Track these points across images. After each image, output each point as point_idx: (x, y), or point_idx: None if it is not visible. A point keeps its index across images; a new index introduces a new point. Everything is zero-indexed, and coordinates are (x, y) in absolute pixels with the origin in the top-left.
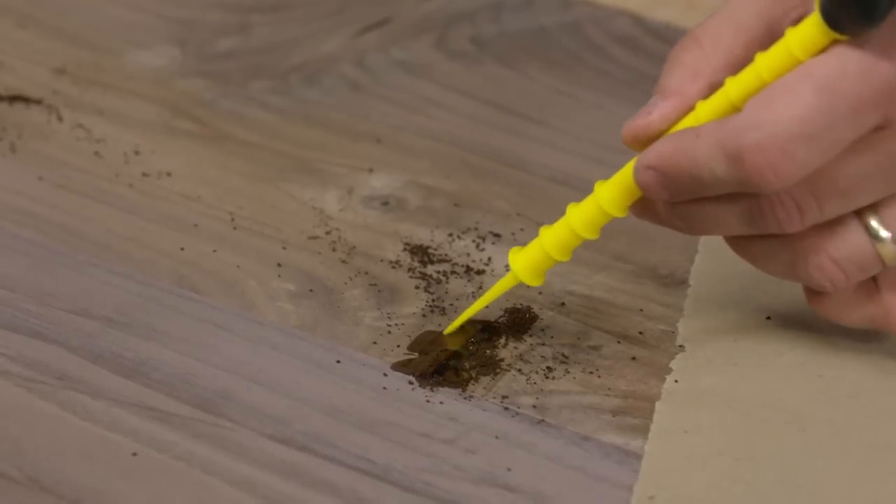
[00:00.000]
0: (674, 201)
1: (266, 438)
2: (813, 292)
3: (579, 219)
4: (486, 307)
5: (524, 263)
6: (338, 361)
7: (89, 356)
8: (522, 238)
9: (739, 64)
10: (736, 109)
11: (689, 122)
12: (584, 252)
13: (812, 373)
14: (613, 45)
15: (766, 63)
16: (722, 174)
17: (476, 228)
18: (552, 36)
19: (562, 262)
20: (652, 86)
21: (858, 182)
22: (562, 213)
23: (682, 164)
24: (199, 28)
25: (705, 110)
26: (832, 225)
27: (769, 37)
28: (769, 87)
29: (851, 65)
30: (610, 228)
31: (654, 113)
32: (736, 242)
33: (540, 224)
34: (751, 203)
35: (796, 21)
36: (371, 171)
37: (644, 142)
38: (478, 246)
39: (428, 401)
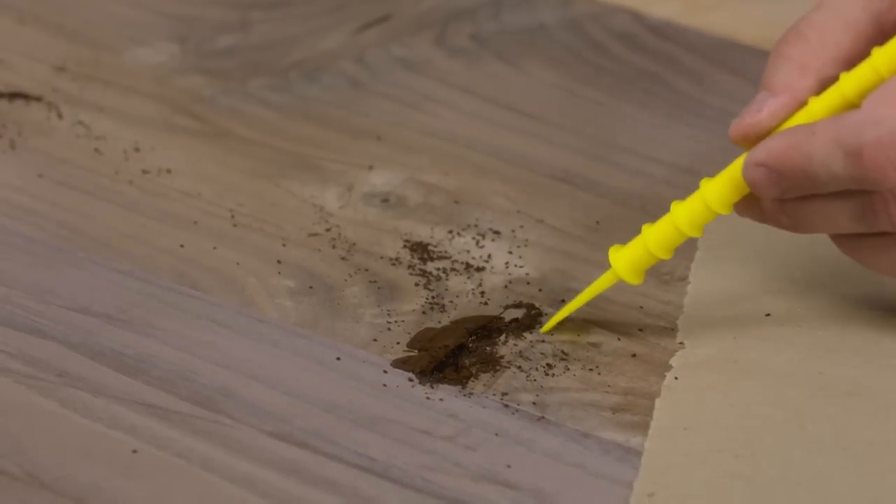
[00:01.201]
0: (783, 199)
1: (266, 435)
2: None
3: (684, 216)
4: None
5: (626, 261)
6: (338, 358)
7: (89, 353)
8: (522, 235)
9: (848, 58)
10: (851, 106)
11: (800, 118)
12: (583, 248)
13: (812, 370)
14: (613, 42)
15: (883, 58)
16: (839, 171)
17: (476, 225)
18: (552, 33)
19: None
20: (652, 82)
21: None
22: (562, 209)
23: (796, 161)
24: (199, 25)
25: (818, 107)
26: None
27: (877, 30)
28: (888, 83)
29: None
30: (610, 225)
31: (765, 110)
32: (844, 241)
33: (540, 221)
34: (863, 200)
35: None
36: (371, 168)
37: (753, 140)
38: (478, 243)
39: (428, 398)
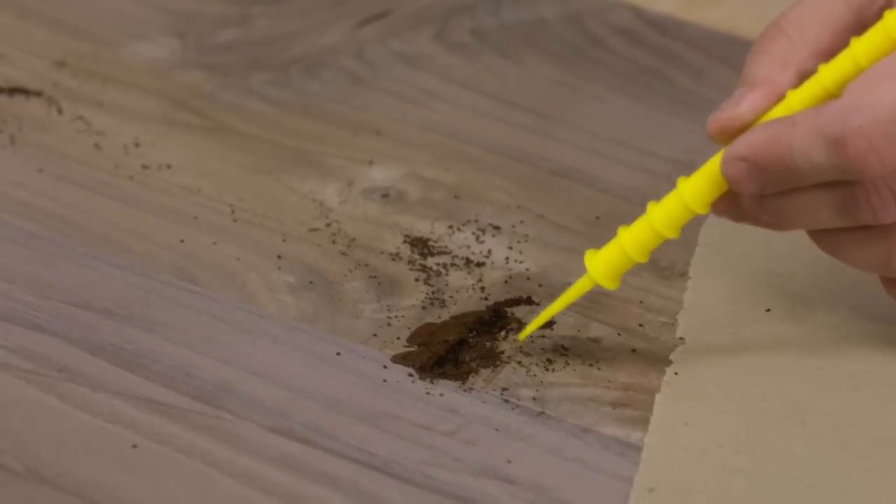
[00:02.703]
0: (762, 194)
1: (266, 431)
2: (893, 282)
3: (661, 217)
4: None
5: (602, 266)
6: (338, 354)
7: (89, 348)
8: (522, 230)
9: (828, 52)
10: (830, 97)
11: (780, 111)
12: (583, 244)
13: (812, 365)
14: (613, 37)
15: (862, 48)
16: (821, 161)
17: (476, 221)
18: (552, 28)
19: (636, 264)
20: (652, 77)
21: None
22: (562, 204)
23: (776, 153)
24: (199, 20)
25: (798, 99)
26: None
27: (857, 24)
28: (869, 71)
29: None
30: (610, 220)
31: (743, 104)
32: (823, 236)
33: (540, 216)
34: (845, 192)
35: (884, 7)
36: (371, 163)
37: (732, 134)
38: (478, 238)
39: (428, 393)
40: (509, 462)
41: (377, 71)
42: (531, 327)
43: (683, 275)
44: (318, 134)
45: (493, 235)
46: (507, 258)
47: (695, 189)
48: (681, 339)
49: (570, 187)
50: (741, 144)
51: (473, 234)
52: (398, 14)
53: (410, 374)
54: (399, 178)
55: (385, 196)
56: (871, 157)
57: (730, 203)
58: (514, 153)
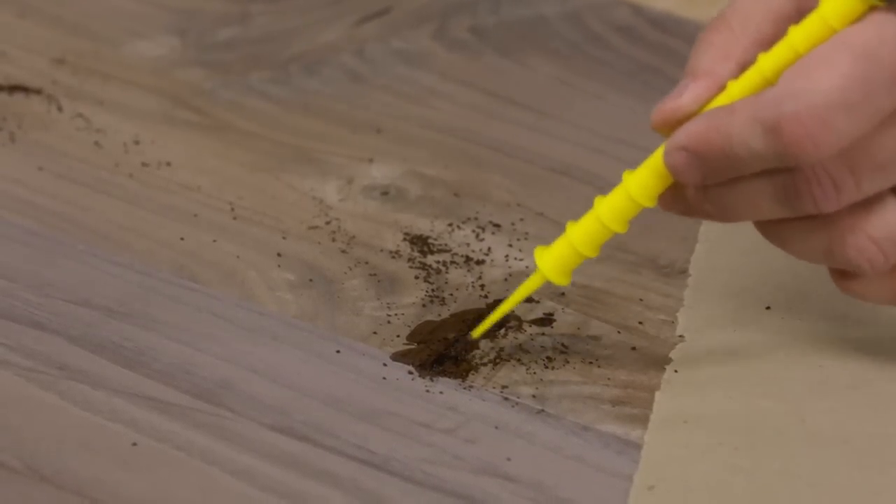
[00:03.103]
0: (705, 184)
1: (266, 428)
2: (841, 274)
3: (608, 210)
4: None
5: (552, 262)
6: (337, 351)
7: (89, 346)
8: (522, 228)
9: (770, 43)
10: (770, 85)
11: (721, 101)
12: None
13: (812, 363)
14: (613, 35)
15: (800, 35)
16: (759, 148)
17: (476, 218)
18: (552, 26)
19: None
20: (652, 75)
21: None
22: (562, 202)
23: (716, 141)
24: (199, 18)
25: (738, 88)
26: (870, 203)
27: (799, 15)
28: (805, 57)
29: (890, 31)
30: None
31: (685, 95)
32: (768, 227)
33: (540, 214)
34: (786, 181)
35: None
36: (371, 161)
37: (674, 125)
38: (478, 236)
39: (428, 391)
40: (509, 460)
41: (377, 69)
42: (484, 325)
43: (683, 272)
44: (318, 132)
45: (493, 233)
46: (506, 256)
47: (640, 182)
48: (681, 336)
49: (570, 185)
50: (682, 134)
51: (473, 231)
52: (398, 12)
53: (410, 372)
54: (399, 176)
55: (385, 194)
56: (806, 142)
57: (676, 196)
58: (514, 151)
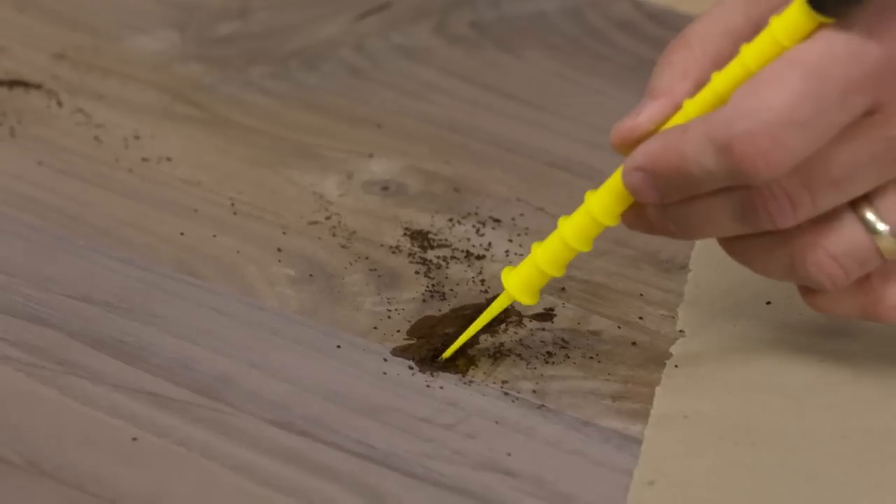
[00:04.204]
0: (665, 203)
1: (266, 423)
2: (806, 290)
3: (571, 231)
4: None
5: (518, 282)
6: (338, 346)
7: (89, 341)
8: (522, 223)
9: (728, 61)
10: (724, 103)
11: (677, 120)
12: None
13: (812, 358)
14: (613, 30)
15: (751, 54)
16: (712, 167)
17: (476, 213)
18: (552, 21)
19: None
20: (652, 70)
21: (851, 170)
22: (562, 197)
23: (670, 161)
24: (199, 12)
25: (693, 107)
26: (828, 220)
27: (756, 33)
28: (755, 76)
29: (839, 48)
30: None
31: (642, 114)
32: (731, 245)
33: (540, 209)
34: (742, 198)
35: None
36: (371, 156)
37: (632, 144)
38: (478, 231)
39: (428, 386)
40: (509, 455)
41: (377, 64)
42: (454, 346)
43: (684, 267)
44: (318, 127)
45: (494, 228)
46: (507, 251)
47: (601, 202)
48: (681, 331)
49: (570, 180)
50: (639, 154)
51: (473, 226)
52: (398, 7)
53: (410, 367)
54: (399, 171)
55: (385, 189)
56: (757, 160)
57: (638, 214)
58: (515, 146)
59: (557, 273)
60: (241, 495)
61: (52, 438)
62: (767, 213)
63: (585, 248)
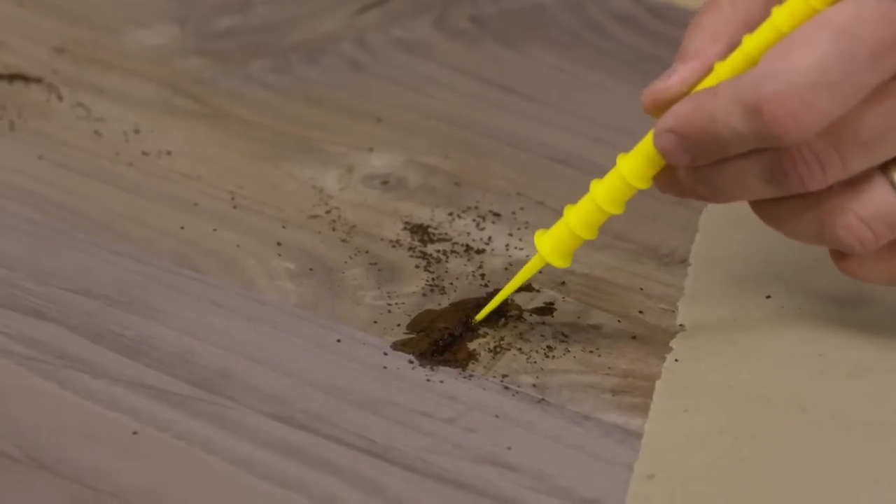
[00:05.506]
0: (695, 165)
1: (266, 417)
2: (837, 254)
3: (603, 193)
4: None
5: (551, 245)
6: (338, 340)
7: (89, 335)
8: (522, 217)
9: (759, 24)
10: (755, 65)
11: (708, 82)
12: None
13: (812, 352)
14: (613, 24)
15: (782, 15)
16: (742, 129)
17: (476, 207)
18: (552, 14)
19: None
20: (652, 64)
21: (881, 132)
22: (562, 191)
23: (700, 123)
24: (199, 6)
25: (724, 69)
26: (857, 183)
27: None
28: (786, 38)
29: (869, 10)
30: None
31: (673, 77)
32: (762, 208)
33: (540, 203)
34: (772, 160)
35: None
36: (371, 150)
37: (664, 107)
38: (478, 225)
39: (428, 380)
40: (509, 449)
41: (377, 58)
42: (487, 308)
43: (684, 261)
44: (318, 121)
45: (494, 222)
46: (507, 245)
47: (633, 164)
48: (681, 325)
49: (570, 174)
50: (669, 117)
51: (473, 220)
52: (398, 1)
53: (411, 361)
54: (399, 165)
55: (385, 183)
56: (787, 122)
57: (669, 178)
58: (515, 140)
59: (590, 235)
60: (241, 489)
61: (53, 432)
62: (797, 174)
63: (617, 211)
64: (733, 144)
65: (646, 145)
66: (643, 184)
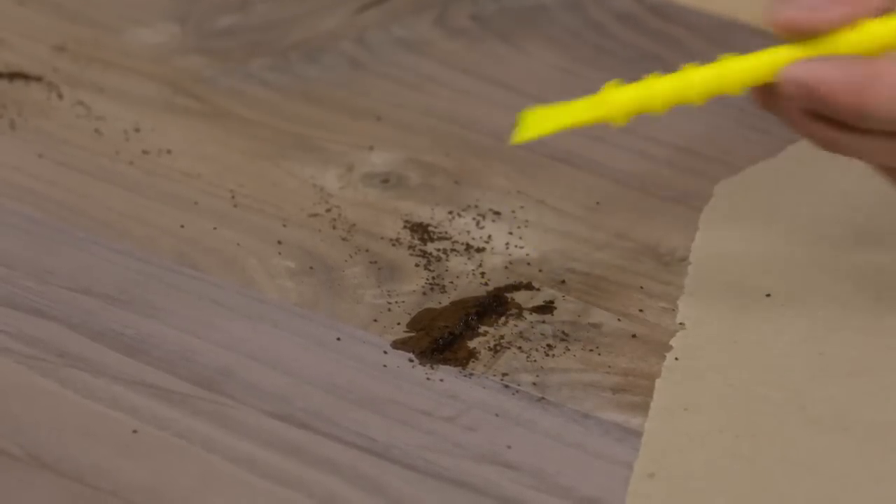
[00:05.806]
0: (815, 115)
1: (266, 416)
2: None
3: (699, 77)
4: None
5: (622, 99)
6: (338, 339)
7: (90, 333)
8: (523, 216)
9: None
10: None
11: (859, 38)
12: (584, 229)
13: (812, 350)
14: (614, 23)
15: None
16: None
17: (476, 206)
18: (553, 13)
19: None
20: (653, 63)
21: None
22: (562, 189)
23: (846, 98)
24: (200, 5)
25: (872, 31)
26: None
27: None
28: None
29: None
30: (610, 206)
31: (822, 12)
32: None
33: (540, 201)
34: None
35: None
36: (371, 148)
37: (795, 35)
38: (478, 224)
39: (428, 378)
40: (509, 447)
41: (378, 56)
42: (548, 129)
43: (684, 260)
44: (319, 119)
45: (494, 221)
46: (507, 243)
47: (738, 68)
48: (681, 324)
49: (570, 172)
50: (812, 73)
51: (474, 219)
52: None
53: (411, 360)
54: (399, 164)
55: (385, 181)
56: None
57: (775, 102)
58: None
59: (660, 109)
60: (241, 487)
61: (53, 431)
62: None
63: (698, 101)
64: (876, 125)
65: (761, 60)
66: (736, 90)
